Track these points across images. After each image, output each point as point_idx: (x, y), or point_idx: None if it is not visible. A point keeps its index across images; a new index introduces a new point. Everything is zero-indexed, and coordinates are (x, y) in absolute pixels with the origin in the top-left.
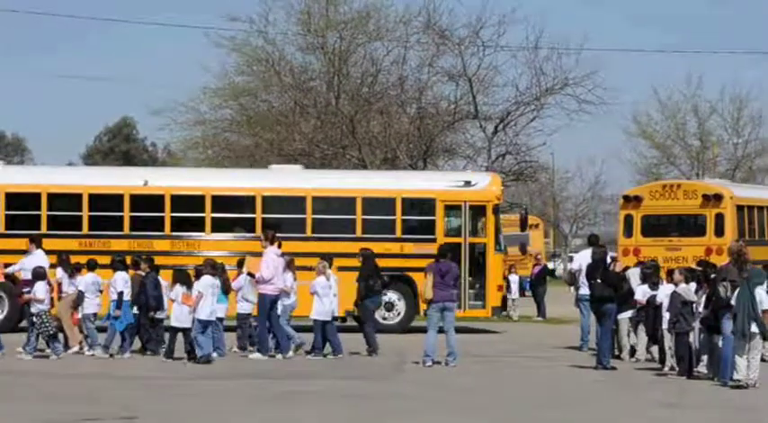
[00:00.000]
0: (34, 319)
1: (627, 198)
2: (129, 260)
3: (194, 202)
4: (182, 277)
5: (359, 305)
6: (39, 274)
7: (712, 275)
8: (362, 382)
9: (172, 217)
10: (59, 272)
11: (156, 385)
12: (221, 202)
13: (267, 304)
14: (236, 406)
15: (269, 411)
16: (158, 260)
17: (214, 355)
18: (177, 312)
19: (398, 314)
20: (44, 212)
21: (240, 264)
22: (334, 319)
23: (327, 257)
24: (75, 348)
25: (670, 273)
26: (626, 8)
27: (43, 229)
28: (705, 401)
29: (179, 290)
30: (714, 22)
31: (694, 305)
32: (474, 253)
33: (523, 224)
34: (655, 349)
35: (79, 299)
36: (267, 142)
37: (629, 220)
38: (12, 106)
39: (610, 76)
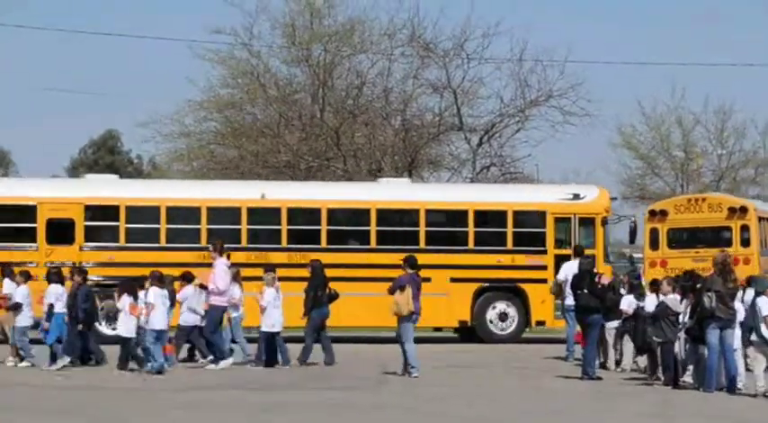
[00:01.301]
0: None
1: (653, 212)
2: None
3: (310, 215)
4: (128, 288)
5: (306, 316)
6: None
7: (698, 286)
8: (348, 392)
9: (288, 229)
10: (6, 282)
11: (134, 398)
12: (336, 215)
13: (219, 315)
14: (227, 417)
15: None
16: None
17: (165, 365)
18: (124, 322)
19: (512, 325)
20: (163, 226)
21: (184, 277)
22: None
23: (272, 269)
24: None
25: (653, 283)
26: (611, 21)
27: (163, 243)
28: (692, 411)
29: (126, 300)
30: (698, 35)
31: (679, 316)
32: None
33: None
34: (641, 359)
35: (16, 309)
36: (252, 154)
37: (654, 234)
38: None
39: (594, 88)
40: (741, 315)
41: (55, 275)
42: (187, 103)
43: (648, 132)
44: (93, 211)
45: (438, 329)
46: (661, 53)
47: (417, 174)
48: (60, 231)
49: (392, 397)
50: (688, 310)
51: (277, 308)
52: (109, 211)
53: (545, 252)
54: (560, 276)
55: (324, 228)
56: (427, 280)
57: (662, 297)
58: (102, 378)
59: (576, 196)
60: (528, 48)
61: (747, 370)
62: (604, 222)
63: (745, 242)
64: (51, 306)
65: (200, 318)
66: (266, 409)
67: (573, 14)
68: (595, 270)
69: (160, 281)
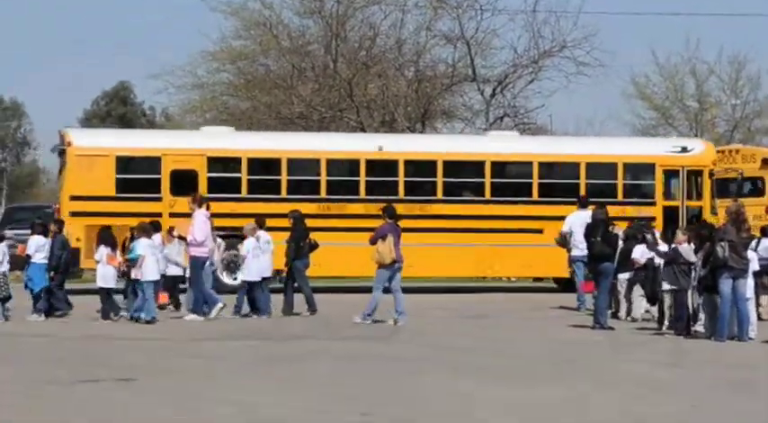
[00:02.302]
0: None
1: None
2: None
3: (427, 167)
4: (106, 238)
5: (289, 266)
6: None
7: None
8: (360, 342)
9: (405, 181)
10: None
11: (152, 347)
12: (452, 168)
13: (200, 266)
14: (246, 367)
15: (278, 371)
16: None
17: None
18: (102, 272)
19: None
20: (284, 177)
21: (166, 229)
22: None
23: (259, 219)
24: None
25: (665, 232)
26: None
27: (283, 194)
28: (705, 359)
29: (103, 250)
30: None
31: (692, 265)
32: (690, 217)
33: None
34: (654, 309)
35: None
36: (265, 105)
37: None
38: (7, 70)
39: (608, 39)
40: (755, 265)
41: (38, 226)
42: (200, 54)
43: (662, 83)
44: (215, 163)
45: (538, 280)
46: (675, 3)
47: (431, 125)
48: (186, 182)
49: (406, 347)
50: (700, 260)
51: (257, 257)
52: (230, 163)
53: (654, 204)
54: (565, 228)
55: (440, 180)
56: (539, 231)
57: (675, 245)
58: (96, 327)
59: (684, 149)
60: None
61: (760, 319)
62: (711, 175)
63: None
64: (29, 257)
65: (182, 269)
66: (292, 358)
67: None
68: (609, 219)
69: (147, 232)
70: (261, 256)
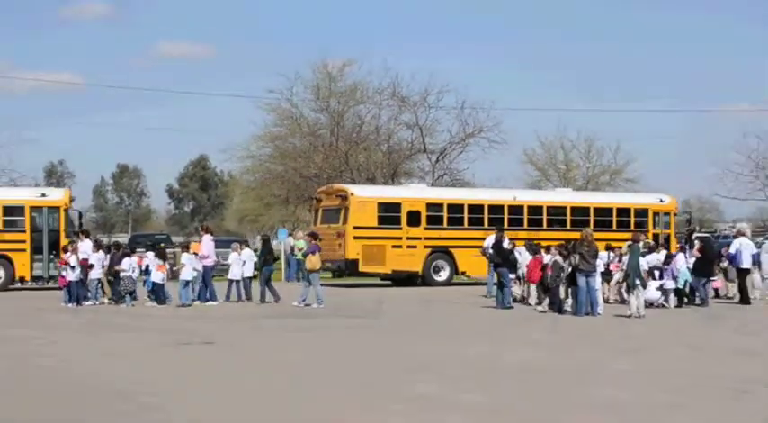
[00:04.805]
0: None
1: None
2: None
3: (539, 209)
4: (159, 253)
5: (260, 270)
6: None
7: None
8: (358, 319)
9: (528, 218)
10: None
11: (224, 322)
12: (552, 210)
13: (208, 270)
14: (288, 336)
15: (308, 340)
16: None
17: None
18: (154, 276)
19: None
20: (465, 215)
21: (185, 247)
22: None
23: (241, 241)
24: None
25: (547, 249)
26: (522, 81)
27: (465, 225)
28: (569, 328)
29: (154, 260)
30: (582, 85)
31: (562, 268)
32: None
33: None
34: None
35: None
36: (292, 169)
37: None
38: (128, 144)
39: (509, 125)
40: (601, 267)
41: (157, 248)
42: (251, 136)
43: (543, 153)
44: (431, 206)
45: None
46: (552, 101)
47: (397, 181)
48: (414, 218)
49: (388, 322)
50: (567, 265)
51: (238, 264)
52: (437, 206)
53: (647, 231)
54: (485, 244)
55: (545, 217)
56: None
57: (552, 256)
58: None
59: (661, 200)
60: (467, 99)
61: (606, 302)
62: (675, 215)
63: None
64: (147, 266)
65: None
66: (309, 329)
67: (498, 77)
68: (504, 239)
69: (186, 249)
70: (242, 264)
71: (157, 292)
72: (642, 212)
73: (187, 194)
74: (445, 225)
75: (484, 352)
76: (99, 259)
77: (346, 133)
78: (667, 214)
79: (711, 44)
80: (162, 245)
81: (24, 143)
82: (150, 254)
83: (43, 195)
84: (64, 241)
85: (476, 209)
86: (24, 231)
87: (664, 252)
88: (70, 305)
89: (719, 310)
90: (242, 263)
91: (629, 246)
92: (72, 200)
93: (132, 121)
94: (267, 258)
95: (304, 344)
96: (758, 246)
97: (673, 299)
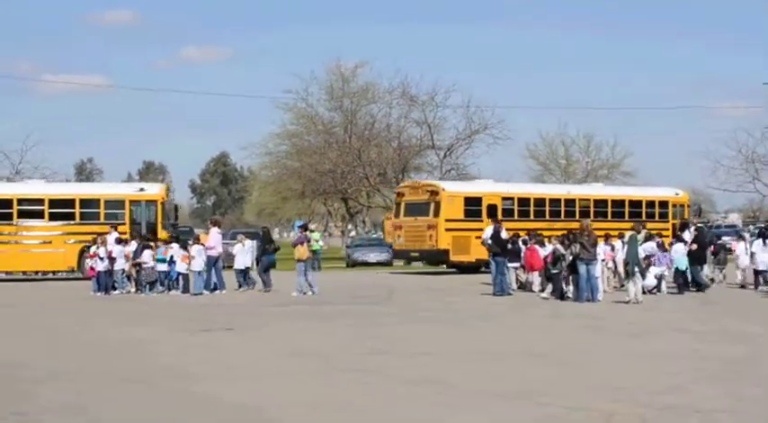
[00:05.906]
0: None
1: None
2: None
3: (583, 202)
4: (181, 244)
5: (259, 259)
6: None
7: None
8: (368, 305)
9: (565, 210)
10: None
11: (242, 310)
12: (596, 202)
13: (213, 261)
14: (307, 321)
15: (328, 324)
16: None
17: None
18: (179, 267)
19: None
20: (532, 208)
21: (196, 240)
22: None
23: (249, 234)
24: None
25: (548, 238)
26: (527, 77)
27: (531, 217)
28: (570, 312)
29: (178, 251)
30: (581, 84)
31: (564, 256)
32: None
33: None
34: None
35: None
36: (308, 165)
37: None
38: (152, 142)
39: (513, 122)
40: (602, 255)
41: (180, 240)
42: (269, 134)
43: (544, 148)
44: (504, 199)
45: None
46: (552, 98)
47: (408, 176)
48: (492, 211)
49: (397, 307)
50: (569, 254)
51: (243, 255)
52: (509, 199)
53: (668, 221)
54: (484, 235)
55: (591, 209)
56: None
57: (553, 246)
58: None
59: (677, 193)
60: (472, 98)
61: (605, 292)
62: (689, 206)
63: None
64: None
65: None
66: (330, 315)
67: (502, 77)
68: (502, 229)
69: (198, 241)
70: (245, 254)
71: (183, 282)
72: (664, 204)
73: (209, 189)
74: (516, 217)
75: (477, 336)
76: (121, 251)
77: (359, 131)
78: (682, 206)
79: (711, 44)
80: (180, 237)
81: (55, 142)
82: (175, 245)
83: (141, 190)
84: (162, 234)
85: (538, 203)
86: (124, 224)
87: (658, 240)
88: (99, 294)
89: (714, 296)
90: (248, 253)
91: (630, 236)
92: (170, 192)
93: (156, 120)
94: (266, 248)
95: (322, 331)
96: (751, 235)
97: (665, 285)
